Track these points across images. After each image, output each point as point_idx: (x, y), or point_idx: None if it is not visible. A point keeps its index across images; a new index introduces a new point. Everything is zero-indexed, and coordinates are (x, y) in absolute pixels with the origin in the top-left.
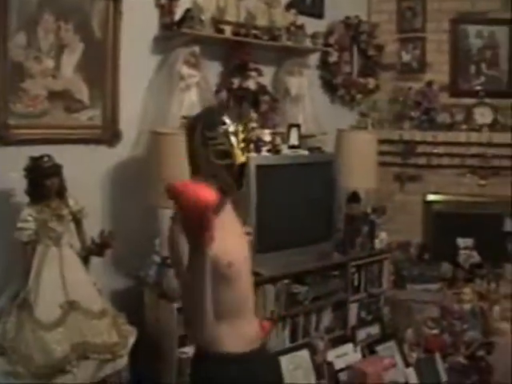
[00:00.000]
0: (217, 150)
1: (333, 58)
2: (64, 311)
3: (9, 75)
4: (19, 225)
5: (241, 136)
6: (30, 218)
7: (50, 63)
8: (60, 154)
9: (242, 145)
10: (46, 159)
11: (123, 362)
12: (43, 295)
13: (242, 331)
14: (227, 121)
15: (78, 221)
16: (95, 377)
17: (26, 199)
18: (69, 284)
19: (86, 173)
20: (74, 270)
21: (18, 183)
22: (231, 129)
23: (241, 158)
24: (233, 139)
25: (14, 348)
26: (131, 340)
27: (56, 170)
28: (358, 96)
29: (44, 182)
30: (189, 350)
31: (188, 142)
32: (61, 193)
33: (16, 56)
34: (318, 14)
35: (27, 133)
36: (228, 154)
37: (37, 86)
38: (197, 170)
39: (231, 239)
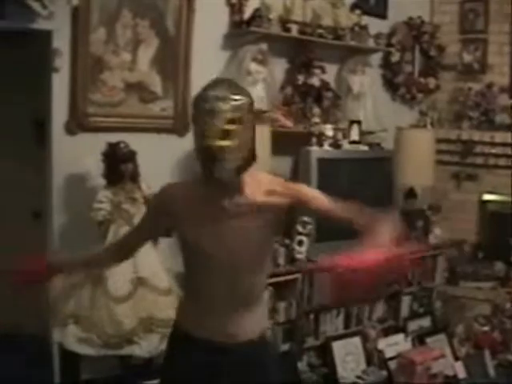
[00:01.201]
0: (196, 128)
1: (395, 58)
2: (133, 286)
3: (89, 67)
4: (95, 205)
5: (228, 115)
6: (105, 200)
7: (127, 57)
8: (134, 142)
9: (227, 127)
10: (122, 145)
11: None
12: (115, 271)
13: (205, 318)
14: (213, 96)
15: None
16: (158, 348)
17: (102, 182)
18: (139, 261)
19: (158, 160)
20: (144, 249)
21: (94, 167)
22: (214, 108)
23: (215, 141)
24: (208, 119)
25: (87, 317)
26: None
27: (131, 155)
28: (419, 95)
29: (119, 166)
30: None
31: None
32: (134, 177)
33: (96, 50)
34: (382, 15)
35: (104, 121)
36: (203, 134)
37: (114, 77)
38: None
39: (215, 229)
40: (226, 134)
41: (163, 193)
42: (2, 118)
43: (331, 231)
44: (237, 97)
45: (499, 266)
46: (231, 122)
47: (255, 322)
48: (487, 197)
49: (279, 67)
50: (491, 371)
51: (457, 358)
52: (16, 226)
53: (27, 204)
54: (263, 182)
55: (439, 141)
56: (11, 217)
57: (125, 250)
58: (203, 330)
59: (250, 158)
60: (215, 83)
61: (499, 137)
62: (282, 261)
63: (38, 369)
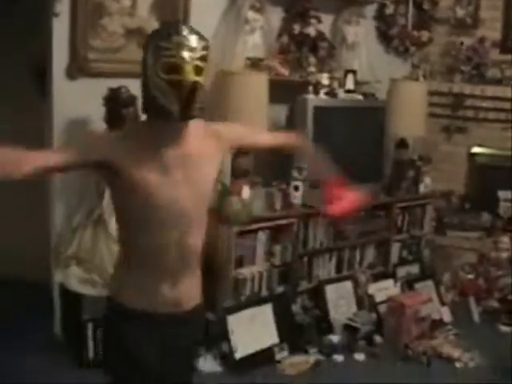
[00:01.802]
0: (166, 62)
1: (389, 10)
2: None
3: (89, 12)
4: None
5: (200, 53)
6: None
7: (126, 2)
8: (134, 87)
9: (199, 63)
10: (123, 90)
11: None
12: None
13: (153, 289)
14: (185, 32)
15: None
16: None
17: (103, 126)
18: None
19: None
20: None
21: (95, 111)
22: (189, 42)
23: (192, 76)
24: (185, 53)
25: (89, 258)
26: None
27: (132, 100)
28: (412, 48)
29: (121, 110)
30: (245, 271)
31: (143, 60)
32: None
33: None
34: None
35: (104, 66)
36: (177, 68)
37: (114, 23)
38: (148, 95)
39: (168, 178)
40: (198, 71)
41: (104, 138)
42: (4, 63)
43: None
44: (202, 36)
45: (486, 217)
46: (202, 59)
47: (198, 286)
48: (476, 149)
49: (276, 16)
50: (476, 317)
51: (443, 303)
52: None
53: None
54: (201, 128)
55: (431, 93)
56: None
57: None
58: (149, 300)
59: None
60: (178, 21)
61: (490, 90)
62: (278, 205)
63: (39, 310)
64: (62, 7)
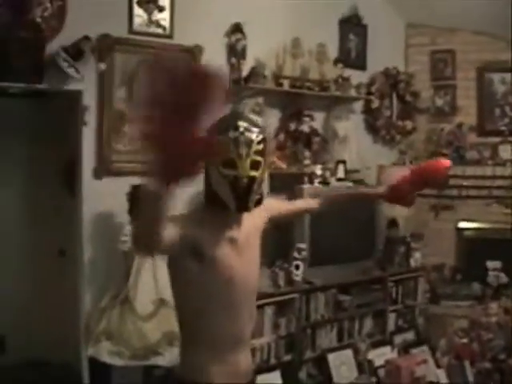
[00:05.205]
0: (223, 158)
1: (375, 104)
2: (156, 306)
3: (113, 121)
4: (122, 238)
5: (255, 147)
6: (130, 233)
7: None
8: None
9: (256, 158)
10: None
11: None
12: (140, 294)
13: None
14: (242, 126)
15: None
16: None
17: (127, 218)
18: (160, 285)
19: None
20: (164, 275)
21: (119, 206)
22: (244, 136)
23: (247, 172)
24: (242, 149)
25: (118, 333)
26: None
27: None
28: (397, 136)
29: None
30: (254, 342)
31: None
32: None
33: (119, 105)
34: (361, 67)
35: (126, 166)
36: (233, 163)
37: (133, 129)
38: (208, 186)
39: (238, 255)
40: (255, 165)
41: (188, 218)
42: (38, 165)
43: (323, 257)
44: (261, 129)
45: (476, 287)
46: (258, 153)
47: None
48: (462, 224)
49: (273, 116)
50: (470, 378)
51: (439, 367)
52: (43, 263)
53: (54, 242)
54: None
55: None
56: (39, 255)
57: None
58: (224, 373)
59: (261, 193)
60: (233, 112)
61: (470, 170)
62: (281, 282)
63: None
64: (90, 117)
